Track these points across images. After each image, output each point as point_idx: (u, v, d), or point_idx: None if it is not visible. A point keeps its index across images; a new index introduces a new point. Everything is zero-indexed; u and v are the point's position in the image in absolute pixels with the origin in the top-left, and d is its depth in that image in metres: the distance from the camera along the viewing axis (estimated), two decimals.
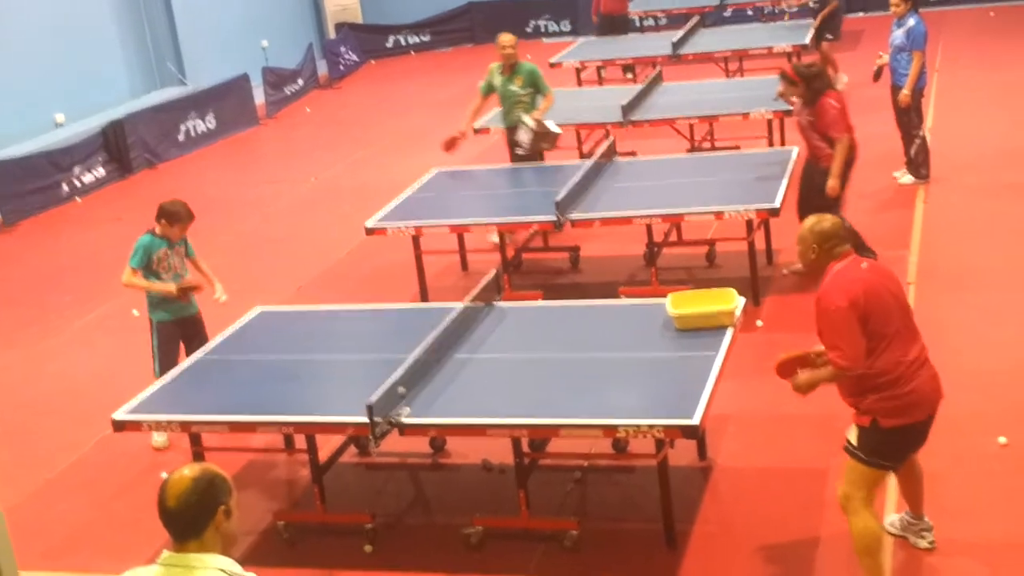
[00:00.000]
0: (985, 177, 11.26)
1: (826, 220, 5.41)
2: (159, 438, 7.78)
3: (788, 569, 5.87)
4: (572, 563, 6.09)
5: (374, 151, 15.44)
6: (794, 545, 6.03)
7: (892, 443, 5.27)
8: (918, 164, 11.17)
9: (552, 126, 10.36)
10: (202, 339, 7.74)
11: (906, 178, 11.23)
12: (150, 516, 6.98)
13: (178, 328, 7.83)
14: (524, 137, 10.31)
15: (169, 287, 7.67)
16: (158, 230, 7.72)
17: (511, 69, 10.61)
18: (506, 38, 10.59)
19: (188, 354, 7.56)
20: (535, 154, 10.55)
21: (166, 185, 15.14)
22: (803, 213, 9.03)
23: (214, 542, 3.48)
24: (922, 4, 12.43)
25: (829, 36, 14.61)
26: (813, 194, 8.96)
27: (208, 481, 3.47)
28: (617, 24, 17.12)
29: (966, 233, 9.98)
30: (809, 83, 8.88)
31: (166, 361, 7.72)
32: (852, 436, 5.32)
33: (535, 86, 10.67)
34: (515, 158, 10.78)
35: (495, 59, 10.74)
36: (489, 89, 10.76)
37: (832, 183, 8.82)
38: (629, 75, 15.90)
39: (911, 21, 10.82)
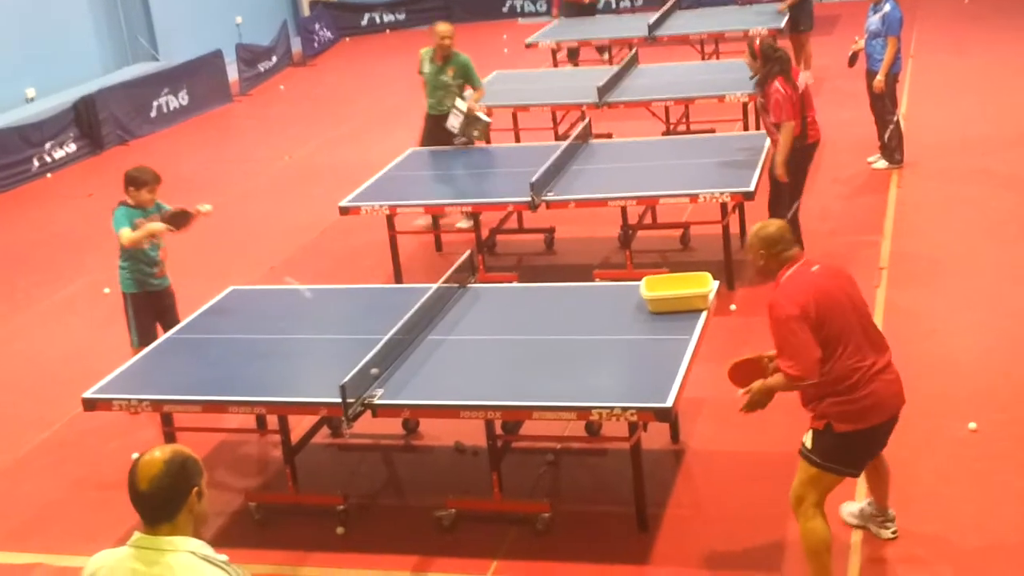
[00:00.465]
0: (958, 162, 11.30)
1: (771, 225, 5.36)
2: None
3: (760, 552, 5.89)
4: (544, 546, 6.09)
5: (349, 130, 15.36)
6: (766, 528, 6.05)
7: (846, 448, 5.18)
8: (892, 149, 11.20)
9: (482, 115, 10.37)
10: (173, 315, 7.70)
11: (880, 163, 11.26)
12: (120, 497, 6.91)
13: (150, 299, 7.74)
14: (455, 122, 10.29)
15: (158, 226, 7.53)
16: (130, 200, 7.64)
17: (445, 59, 10.54)
18: (444, 28, 10.52)
19: (164, 330, 7.51)
20: (468, 139, 10.50)
21: (138, 161, 14.74)
22: (769, 199, 9.06)
23: (186, 524, 3.46)
24: None
25: (802, 27, 14.57)
26: (771, 180, 8.99)
27: (180, 463, 3.43)
28: (585, 11, 16.65)
29: (939, 218, 10.02)
30: (764, 63, 8.81)
31: (143, 332, 7.65)
32: (807, 439, 5.26)
33: (467, 78, 10.63)
34: (429, 141, 10.75)
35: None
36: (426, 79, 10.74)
37: (778, 170, 8.79)
38: (605, 55, 15.84)
39: (887, 7, 10.83)
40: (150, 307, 7.75)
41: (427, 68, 10.65)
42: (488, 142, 10.94)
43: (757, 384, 5.35)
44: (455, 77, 10.56)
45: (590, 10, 16.70)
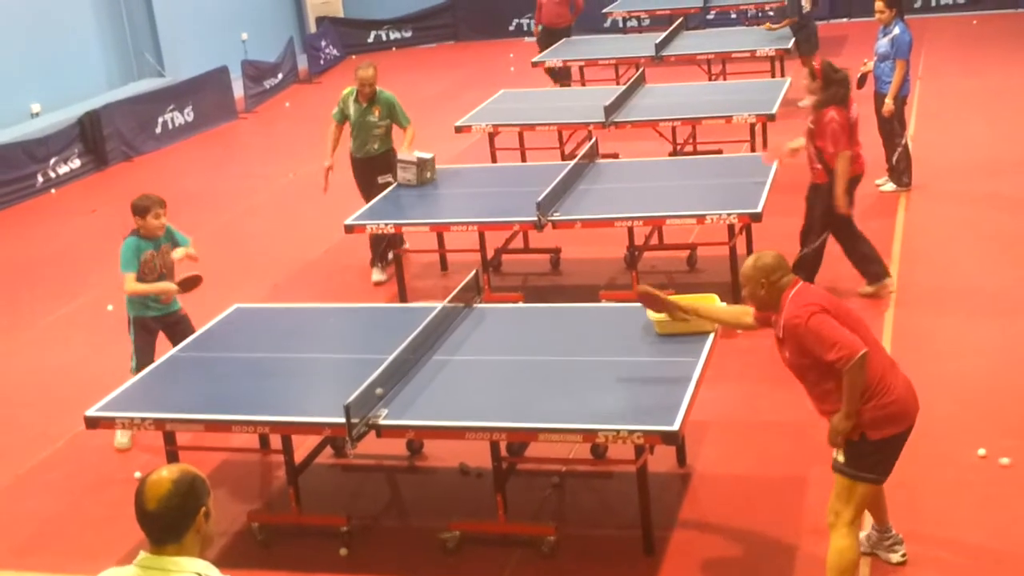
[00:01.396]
0: (967, 185, 11.27)
1: (766, 255, 5.36)
2: (122, 439, 7.68)
3: None
4: (549, 569, 6.04)
5: None
6: (772, 553, 5.99)
7: (881, 454, 5.23)
8: (900, 172, 11.17)
9: (424, 154, 10.06)
10: (186, 336, 7.58)
11: (888, 186, 11.22)
12: (122, 515, 6.88)
13: (157, 324, 7.72)
14: (408, 175, 9.91)
15: (170, 286, 7.58)
16: (141, 231, 7.60)
17: (369, 98, 10.24)
18: (365, 74, 10.18)
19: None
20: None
21: (142, 178, 15.01)
22: (802, 229, 8.88)
23: (193, 544, 3.43)
24: (906, 11, 12.45)
25: (802, 51, 14.55)
26: (807, 209, 8.80)
27: (189, 483, 3.41)
28: (558, 36, 16.20)
29: (947, 241, 9.98)
30: (826, 86, 8.49)
31: (143, 357, 7.62)
32: (839, 454, 5.26)
33: (392, 117, 10.32)
34: (361, 184, 10.42)
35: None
36: (343, 117, 10.38)
37: (838, 202, 8.50)
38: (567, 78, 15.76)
39: (896, 29, 10.81)
40: (154, 331, 7.72)
41: (351, 109, 10.26)
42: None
43: (836, 419, 5.20)
44: (381, 117, 10.25)
45: (566, 33, 16.44)
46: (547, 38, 16.25)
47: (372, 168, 10.31)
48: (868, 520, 5.90)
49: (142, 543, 3.47)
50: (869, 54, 11.24)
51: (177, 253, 7.68)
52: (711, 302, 6.65)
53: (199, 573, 3.39)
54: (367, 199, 10.19)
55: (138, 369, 7.46)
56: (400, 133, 10.39)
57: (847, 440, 5.21)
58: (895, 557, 5.77)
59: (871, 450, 5.19)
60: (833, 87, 8.50)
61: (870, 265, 8.84)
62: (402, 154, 10.07)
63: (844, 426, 5.20)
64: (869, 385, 5.14)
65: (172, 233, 7.75)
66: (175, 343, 7.57)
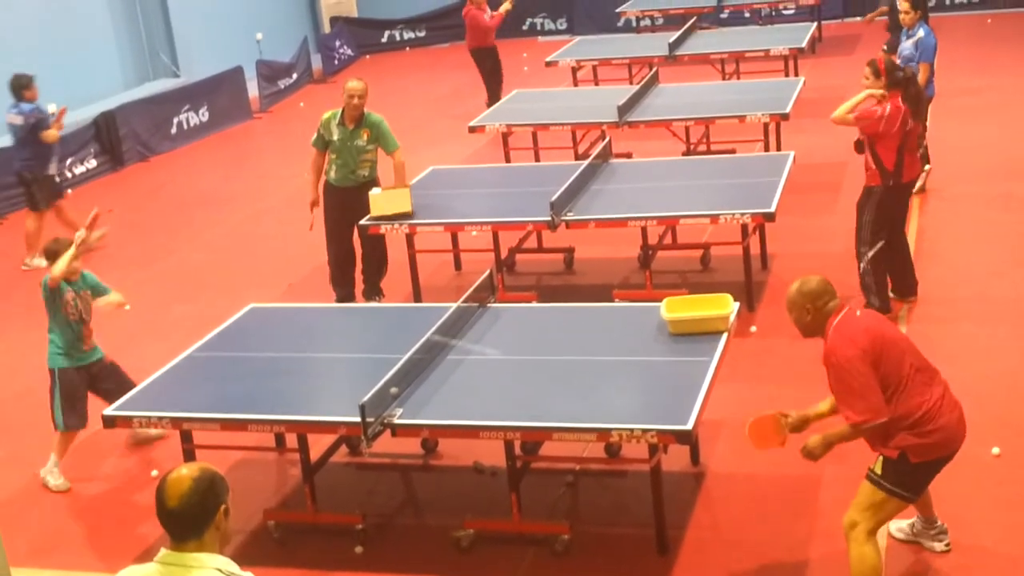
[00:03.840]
0: (981, 186, 11.24)
1: (811, 280, 5.33)
2: (154, 431, 7.44)
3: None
4: (563, 567, 6.06)
5: None
6: (786, 553, 6.01)
7: (919, 476, 5.25)
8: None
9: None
10: (120, 384, 7.27)
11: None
12: (139, 513, 6.93)
13: (82, 375, 7.41)
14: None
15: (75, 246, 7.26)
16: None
17: (356, 121, 9.36)
18: (356, 86, 9.32)
19: (109, 403, 6.85)
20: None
21: (157, 178, 15.09)
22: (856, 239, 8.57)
23: (213, 541, 3.49)
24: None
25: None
26: (858, 212, 8.50)
27: (209, 480, 3.47)
28: (483, 57, 15.55)
29: (961, 242, 9.97)
30: (891, 85, 8.12)
31: (70, 412, 7.31)
32: (877, 466, 5.24)
33: (381, 141, 9.45)
34: (335, 220, 9.57)
35: None
36: (324, 143, 9.45)
37: (837, 112, 8.26)
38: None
39: (920, 32, 10.71)
40: (81, 383, 7.40)
41: (335, 133, 9.35)
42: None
43: (815, 439, 5.33)
44: (370, 141, 9.40)
45: (490, 56, 15.71)
46: (477, 61, 15.68)
47: (358, 199, 9.35)
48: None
49: (160, 541, 3.52)
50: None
51: (103, 301, 7.39)
52: (724, 302, 6.66)
53: (220, 569, 3.44)
54: (345, 239, 9.59)
55: (65, 426, 7.28)
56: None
57: (886, 456, 5.20)
58: (939, 546, 5.81)
59: (909, 470, 5.19)
60: (901, 85, 8.13)
61: (904, 278, 8.73)
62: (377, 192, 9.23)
63: (819, 452, 5.30)
64: (907, 418, 5.12)
65: (85, 279, 7.47)
66: (106, 395, 7.26)
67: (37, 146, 11.86)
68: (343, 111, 9.43)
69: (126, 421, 6.45)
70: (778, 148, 11.83)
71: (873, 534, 5.28)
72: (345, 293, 9.76)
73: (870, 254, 8.38)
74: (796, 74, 14.54)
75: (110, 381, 7.43)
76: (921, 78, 10.51)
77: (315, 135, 9.57)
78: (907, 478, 5.20)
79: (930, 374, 5.29)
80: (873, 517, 5.26)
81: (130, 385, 7.13)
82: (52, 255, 7.39)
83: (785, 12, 18.92)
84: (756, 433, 5.59)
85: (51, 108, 12.02)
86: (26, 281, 11.59)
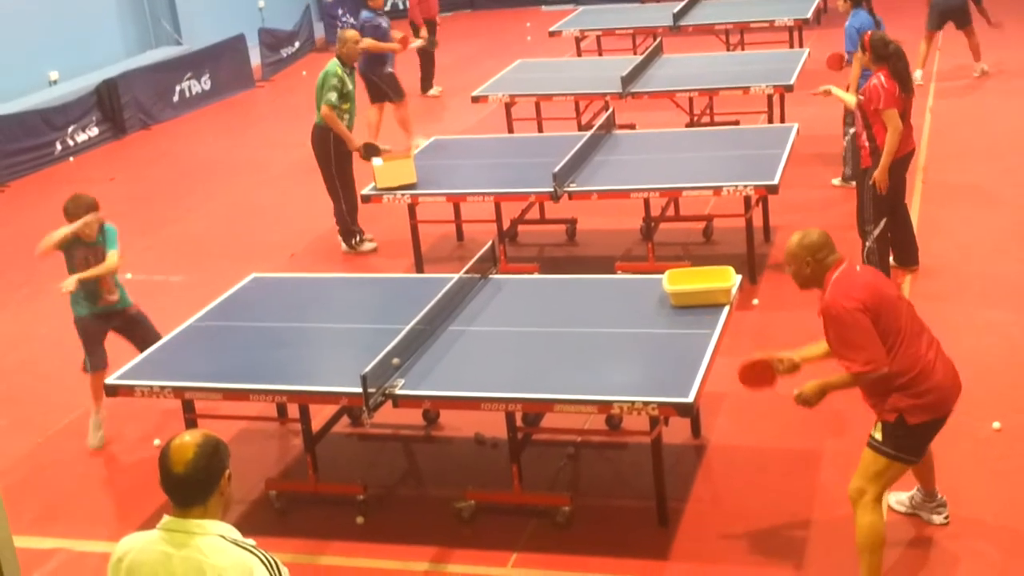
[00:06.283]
0: (983, 164, 11.21)
1: (812, 233, 5.32)
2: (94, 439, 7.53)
3: (780, 549, 5.87)
4: (564, 539, 6.08)
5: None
6: (786, 525, 6.03)
7: (918, 437, 5.26)
8: None
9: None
10: (145, 333, 7.37)
11: None
12: (141, 482, 6.95)
13: (102, 322, 7.45)
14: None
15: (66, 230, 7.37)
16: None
17: (352, 65, 10.17)
18: (354, 32, 10.27)
19: (139, 350, 7.08)
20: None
21: (159, 146, 15.06)
22: (857, 216, 8.53)
23: (217, 507, 3.53)
24: None
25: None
26: (857, 191, 8.47)
27: (213, 446, 3.51)
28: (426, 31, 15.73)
29: (963, 218, 9.94)
30: (876, 61, 8.03)
31: (90, 354, 7.41)
32: (877, 432, 5.26)
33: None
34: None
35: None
36: (342, 95, 9.96)
37: (878, 175, 8.06)
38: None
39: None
40: (100, 330, 7.45)
41: (350, 84, 10.04)
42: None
43: (812, 385, 5.32)
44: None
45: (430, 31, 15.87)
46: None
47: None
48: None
49: (162, 509, 3.53)
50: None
51: (67, 284, 7.34)
52: (727, 275, 6.66)
53: (223, 535, 3.48)
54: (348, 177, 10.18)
55: (92, 369, 7.37)
56: None
57: (884, 421, 5.22)
58: (938, 519, 5.84)
59: (908, 432, 5.20)
60: (888, 57, 7.98)
61: (906, 248, 8.72)
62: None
63: (814, 399, 5.30)
64: (904, 375, 5.14)
65: (104, 234, 7.51)
66: (132, 340, 7.40)
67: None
68: (341, 62, 9.96)
69: (128, 390, 6.45)
70: (782, 120, 11.80)
71: (879, 501, 5.31)
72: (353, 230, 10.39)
73: (876, 232, 8.34)
74: (801, 45, 14.46)
75: (134, 332, 7.49)
76: (854, 70, 9.83)
77: (332, 93, 9.94)
78: (907, 440, 5.22)
79: (924, 335, 5.31)
80: (879, 482, 5.28)
81: (156, 336, 7.25)
82: (67, 215, 7.49)
83: None
84: (747, 374, 5.58)
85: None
86: (28, 249, 11.57)
